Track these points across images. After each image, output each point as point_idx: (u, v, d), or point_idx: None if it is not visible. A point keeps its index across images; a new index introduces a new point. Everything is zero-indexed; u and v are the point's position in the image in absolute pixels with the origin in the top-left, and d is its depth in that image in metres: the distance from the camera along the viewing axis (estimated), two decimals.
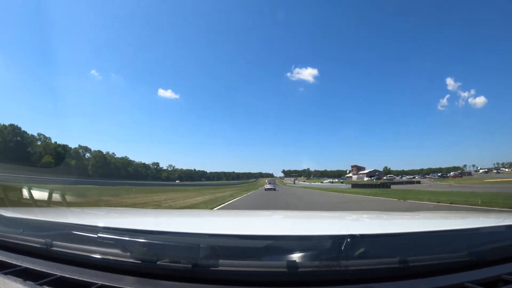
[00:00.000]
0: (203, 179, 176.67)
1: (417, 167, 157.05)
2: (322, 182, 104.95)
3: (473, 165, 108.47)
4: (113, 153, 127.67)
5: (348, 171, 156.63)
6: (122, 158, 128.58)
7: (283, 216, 2.04)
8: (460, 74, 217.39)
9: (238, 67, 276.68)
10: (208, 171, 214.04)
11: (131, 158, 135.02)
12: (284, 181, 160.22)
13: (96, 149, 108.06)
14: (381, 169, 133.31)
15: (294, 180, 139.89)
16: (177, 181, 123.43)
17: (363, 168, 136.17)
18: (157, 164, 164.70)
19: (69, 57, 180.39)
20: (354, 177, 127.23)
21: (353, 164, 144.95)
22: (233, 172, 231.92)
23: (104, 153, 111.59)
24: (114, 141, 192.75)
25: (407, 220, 1.58)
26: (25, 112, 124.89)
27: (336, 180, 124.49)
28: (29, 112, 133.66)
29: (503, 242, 0.92)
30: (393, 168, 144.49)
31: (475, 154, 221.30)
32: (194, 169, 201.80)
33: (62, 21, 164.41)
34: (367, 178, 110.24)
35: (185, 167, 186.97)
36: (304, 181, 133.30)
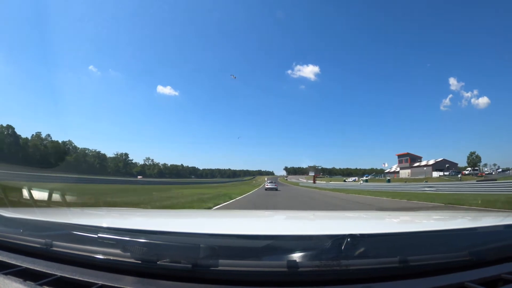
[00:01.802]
0: (192, 176, 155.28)
1: None
2: (345, 181, 69.38)
3: (494, 164, 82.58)
4: (48, 135, 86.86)
5: (383, 164, 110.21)
6: (55, 142, 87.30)
7: (283, 216, 2.02)
8: (462, 74, 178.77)
9: (237, 63, 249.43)
10: (201, 168, 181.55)
11: (81, 145, 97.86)
12: (288, 179, 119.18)
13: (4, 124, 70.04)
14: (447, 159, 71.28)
15: (314, 177, 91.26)
16: (139, 177, 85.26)
17: (419, 159, 75.91)
18: (126, 155, 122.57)
19: (68, 53, 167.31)
20: (404, 172, 73.32)
21: (402, 152, 79.66)
22: (229, 169, 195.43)
23: (31, 136, 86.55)
24: (113, 140, 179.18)
25: (407, 220, 1.60)
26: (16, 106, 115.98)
27: (365, 178, 78.13)
28: (22, 107, 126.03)
29: (502, 241, 0.92)
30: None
31: (489, 154, 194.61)
32: (182, 164, 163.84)
33: (60, 16, 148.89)
34: (439, 174, 64.88)
35: (180, 164, 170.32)
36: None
